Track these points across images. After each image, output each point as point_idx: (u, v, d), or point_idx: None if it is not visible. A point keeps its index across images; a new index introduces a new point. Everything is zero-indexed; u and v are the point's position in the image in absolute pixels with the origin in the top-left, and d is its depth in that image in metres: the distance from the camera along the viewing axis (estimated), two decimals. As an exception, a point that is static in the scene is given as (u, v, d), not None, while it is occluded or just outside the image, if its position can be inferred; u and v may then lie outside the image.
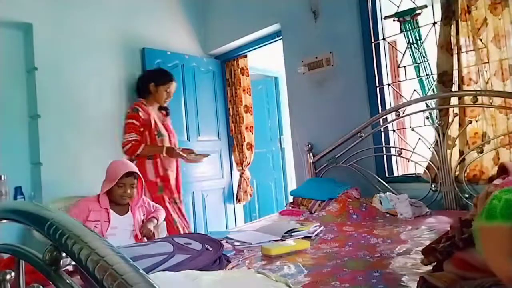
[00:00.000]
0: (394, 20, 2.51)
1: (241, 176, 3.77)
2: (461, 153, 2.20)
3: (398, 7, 2.54)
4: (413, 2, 2.46)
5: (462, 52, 2.17)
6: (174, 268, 1.16)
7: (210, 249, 1.35)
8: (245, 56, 3.73)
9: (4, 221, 0.65)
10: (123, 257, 0.42)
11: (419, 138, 2.33)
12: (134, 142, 2.46)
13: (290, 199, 2.70)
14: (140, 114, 2.52)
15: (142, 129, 2.52)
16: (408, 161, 2.59)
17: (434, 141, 2.26)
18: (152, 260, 1.22)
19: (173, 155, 2.51)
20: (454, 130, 2.21)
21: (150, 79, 2.65)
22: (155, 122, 2.56)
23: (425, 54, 2.41)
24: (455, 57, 2.18)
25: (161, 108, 2.72)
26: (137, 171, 2.06)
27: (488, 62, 2.10)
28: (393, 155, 2.57)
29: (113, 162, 2.11)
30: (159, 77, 2.65)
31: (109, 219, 1.92)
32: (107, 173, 2.04)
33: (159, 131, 2.56)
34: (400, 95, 2.69)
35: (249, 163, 3.79)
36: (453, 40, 2.18)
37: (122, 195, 1.98)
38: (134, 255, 1.25)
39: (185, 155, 2.53)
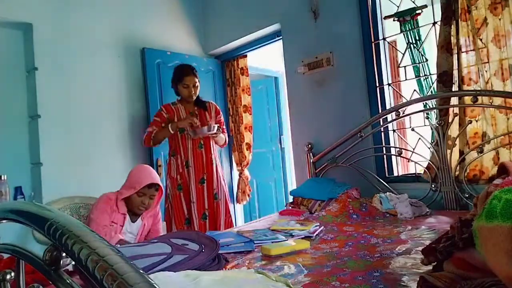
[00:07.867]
0: (394, 20, 2.51)
1: (240, 176, 3.77)
2: (461, 153, 2.20)
3: (398, 7, 2.54)
4: (413, 2, 2.46)
5: (462, 52, 2.17)
6: (172, 268, 1.16)
7: (204, 251, 1.35)
8: (245, 56, 3.73)
9: (4, 221, 0.65)
10: (123, 257, 0.42)
11: (419, 138, 2.33)
12: (149, 131, 2.59)
13: (290, 199, 2.70)
14: (163, 112, 2.65)
15: (163, 125, 2.61)
16: (408, 161, 2.59)
17: (433, 141, 2.26)
18: (151, 259, 1.22)
19: (173, 127, 2.53)
20: (454, 130, 2.21)
21: (172, 79, 2.70)
22: (179, 119, 2.62)
23: (424, 54, 2.42)
24: (455, 57, 2.18)
25: (198, 105, 2.71)
26: (160, 183, 1.96)
27: (488, 62, 2.10)
28: (393, 155, 2.57)
29: (139, 167, 2.00)
30: (175, 75, 2.68)
31: (123, 224, 1.90)
32: (130, 177, 1.94)
33: (182, 127, 2.59)
34: (400, 95, 2.69)
35: (247, 163, 3.79)
36: (453, 40, 2.18)
37: (139, 206, 1.91)
38: (133, 254, 1.25)
39: (190, 122, 2.53)
